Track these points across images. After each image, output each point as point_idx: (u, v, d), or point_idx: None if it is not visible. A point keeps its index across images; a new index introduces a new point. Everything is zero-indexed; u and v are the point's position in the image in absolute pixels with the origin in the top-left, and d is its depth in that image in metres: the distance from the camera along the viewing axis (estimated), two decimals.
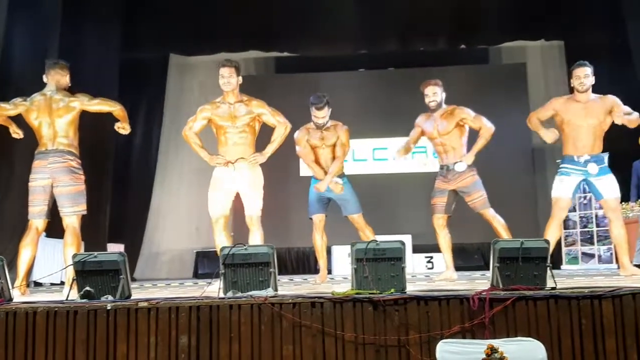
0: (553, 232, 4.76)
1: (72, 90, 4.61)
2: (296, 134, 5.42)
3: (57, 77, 4.52)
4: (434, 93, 5.11)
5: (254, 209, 4.60)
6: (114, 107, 4.59)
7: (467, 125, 5.09)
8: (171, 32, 8.86)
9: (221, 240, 4.52)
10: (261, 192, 4.66)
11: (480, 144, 5.00)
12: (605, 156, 5.18)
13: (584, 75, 4.76)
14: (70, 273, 4.22)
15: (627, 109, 4.75)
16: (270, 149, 4.65)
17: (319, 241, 5.42)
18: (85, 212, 4.43)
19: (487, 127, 5.00)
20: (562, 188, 4.79)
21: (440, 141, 5.11)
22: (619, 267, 5.09)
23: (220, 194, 4.62)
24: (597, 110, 4.75)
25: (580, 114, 4.76)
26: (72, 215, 4.38)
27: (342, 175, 5.41)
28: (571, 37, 9.04)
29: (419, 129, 5.27)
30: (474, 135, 5.09)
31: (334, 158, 5.34)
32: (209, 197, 4.66)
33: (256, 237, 4.56)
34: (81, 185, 4.42)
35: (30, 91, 4.60)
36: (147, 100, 9.51)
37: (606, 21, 8.24)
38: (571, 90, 4.93)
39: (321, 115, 5.28)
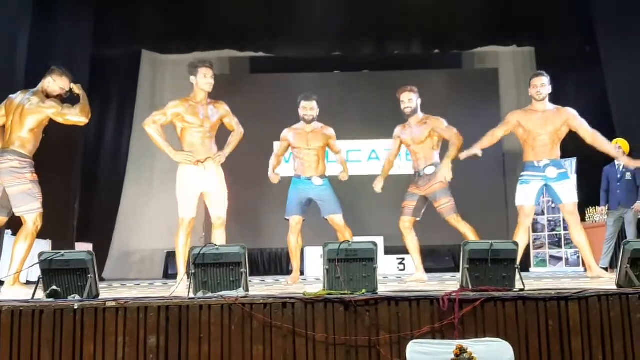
0: (520, 239, 4.85)
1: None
2: (283, 133, 5.49)
3: (45, 81, 4.48)
4: (409, 99, 5.17)
5: (223, 209, 4.58)
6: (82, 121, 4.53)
7: (440, 135, 5.17)
8: (144, 29, 8.76)
9: (183, 243, 4.51)
10: (226, 192, 4.66)
11: (452, 152, 5.07)
12: (568, 161, 5.30)
13: (541, 84, 4.93)
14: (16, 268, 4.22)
15: (584, 123, 4.89)
16: (228, 151, 4.69)
17: (294, 243, 5.42)
18: (33, 212, 4.28)
19: (457, 136, 5.09)
20: (524, 196, 4.92)
21: (414, 149, 5.20)
22: (585, 270, 5.21)
23: (190, 194, 4.58)
24: (554, 119, 4.91)
25: (539, 122, 4.92)
26: (22, 215, 4.30)
27: (323, 176, 5.44)
28: (542, 43, 9.22)
29: (398, 140, 5.34)
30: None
31: (318, 161, 5.38)
32: (179, 197, 4.62)
33: (222, 239, 4.56)
34: (24, 185, 4.28)
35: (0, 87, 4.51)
36: (118, 97, 9.37)
37: (576, 28, 8.41)
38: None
39: (309, 106, 5.33)
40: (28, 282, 4.54)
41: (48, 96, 4.48)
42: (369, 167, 9.37)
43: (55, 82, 4.49)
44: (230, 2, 8.52)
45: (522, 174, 5.00)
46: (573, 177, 7.96)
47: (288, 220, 5.44)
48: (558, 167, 4.90)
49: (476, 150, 4.96)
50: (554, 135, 4.90)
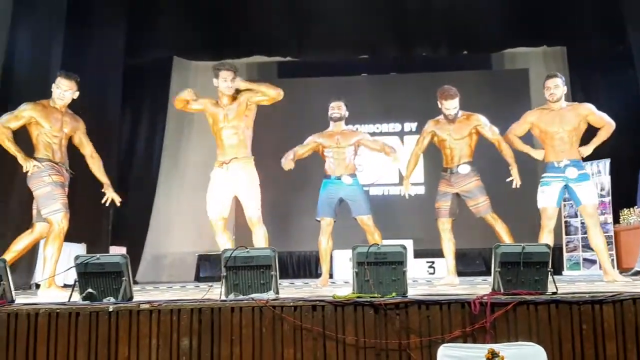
0: (545, 241, 4.77)
1: (77, 100, 4.74)
2: (312, 136, 5.54)
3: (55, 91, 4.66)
4: (455, 107, 5.11)
5: (253, 209, 4.61)
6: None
7: (479, 134, 5.13)
8: (175, 36, 8.89)
9: (222, 241, 4.55)
10: (258, 191, 4.66)
11: (509, 160, 5.04)
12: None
13: (554, 86, 4.92)
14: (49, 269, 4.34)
15: (604, 116, 4.82)
16: (246, 85, 4.65)
17: (324, 245, 5.41)
18: (56, 213, 4.42)
19: (499, 139, 5.06)
20: (545, 198, 4.88)
21: (451, 144, 5.12)
22: (620, 273, 5.10)
23: (216, 195, 4.63)
24: (571, 117, 4.86)
25: (554, 121, 4.89)
26: (47, 218, 4.45)
27: (353, 175, 5.44)
28: (573, 43, 9.06)
29: (430, 136, 5.26)
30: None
31: (347, 159, 5.38)
32: (207, 199, 4.68)
33: (259, 237, 4.57)
34: (43, 188, 4.43)
35: (34, 97, 4.64)
36: (150, 104, 9.53)
37: (608, 27, 8.25)
38: (573, 95, 5.00)
39: (337, 105, 5.35)
40: (65, 285, 4.63)
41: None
42: (397, 171, 9.32)
43: (59, 89, 4.60)
44: (257, 8, 8.59)
45: (543, 175, 4.98)
46: (606, 179, 7.80)
47: (319, 221, 5.45)
48: (578, 168, 4.84)
49: (532, 152, 4.99)
50: (572, 134, 4.84)
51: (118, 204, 4.83)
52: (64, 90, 4.59)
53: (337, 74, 9.63)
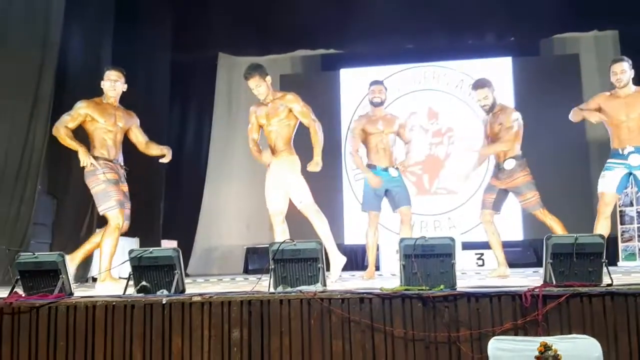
0: (601, 229, 4.63)
1: (127, 98, 4.86)
2: (354, 123, 5.46)
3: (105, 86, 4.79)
4: (485, 97, 5.00)
5: (300, 200, 4.66)
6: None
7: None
8: (220, 32, 8.98)
9: (277, 234, 4.63)
10: (301, 180, 4.69)
11: (495, 146, 4.89)
12: None
13: (621, 70, 4.72)
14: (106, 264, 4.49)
15: None
16: (318, 152, 4.66)
17: (372, 237, 5.38)
18: (111, 210, 4.55)
19: (506, 144, 4.91)
20: (605, 183, 4.72)
21: (493, 140, 5.03)
22: None
23: (270, 190, 4.74)
24: (637, 103, 4.66)
25: (620, 109, 4.71)
26: (104, 214, 4.63)
27: (396, 167, 5.40)
28: (626, 27, 8.71)
29: (484, 128, 5.19)
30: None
31: (391, 147, 5.36)
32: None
33: (317, 225, 4.63)
34: (98, 186, 4.57)
35: (86, 96, 4.80)
36: (197, 100, 9.69)
37: None
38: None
39: (378, 89, 5.33)
40: (120, 278, 4.78)
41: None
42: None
43: (108, 81, 4.72)
44: (300, 1, 8.60)
45: (607, 161, 4.79)
46: None
47: (367, 213, 5.41)
48: None
49: (587, 114, 4.78)
50: (638, 121, 4.65)
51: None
52: (114, 80, 4.71)
53: (381, 64, 9.56)
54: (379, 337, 2.85)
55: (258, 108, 4.80)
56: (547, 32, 9.23)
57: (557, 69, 9.18)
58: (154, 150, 5.00)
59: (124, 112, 4.83)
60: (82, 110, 4.63)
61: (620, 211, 8.01)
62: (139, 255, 3.24)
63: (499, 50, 9.39)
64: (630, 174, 4.70)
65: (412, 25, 8.80)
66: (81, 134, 4.75)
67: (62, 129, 4.56)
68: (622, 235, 8.03)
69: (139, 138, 4.93)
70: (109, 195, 4.57)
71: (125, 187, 4.75)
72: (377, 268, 7.18)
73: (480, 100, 5.03)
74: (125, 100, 4.91)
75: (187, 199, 9.24)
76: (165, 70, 8.41)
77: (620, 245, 8.04)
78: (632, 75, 4.75)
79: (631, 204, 7.96)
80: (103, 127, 4.66)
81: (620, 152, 4.69)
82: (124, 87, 4.80)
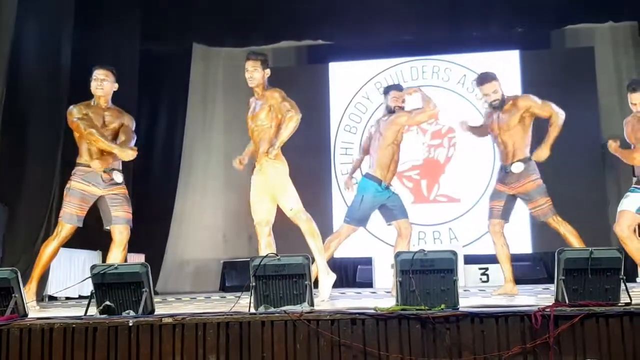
0: (632, 247, 4.65)
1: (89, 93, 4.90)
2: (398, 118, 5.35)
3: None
4: (495, 91, 5.03)
5: (291, 207, 4.65)
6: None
7: (533, 117, 5.00)
8: (195, 21, 8.98)
9: (262, 247, 4.63)
10: (291, 185, 4.69)
11: (553, 133, 4.90)
12: None
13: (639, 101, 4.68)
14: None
15: None
16: (277, 141, 4.61)
17: (334, 245, 5.28)
18: (60, 218, 4.77)
19: (557, 113, 4.92)
20: (630, 202, 4.71)
21: (502, 138, 5.05)
22: None
23: (256, 197, 4.76)
24: None
25: None
26: None
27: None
28: None
29: (486, 126, 5.24)
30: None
31: (394, 163, 5.34)
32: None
33: (305, 234, 4.65)
34: (65, 191, 4.79)
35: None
36: (169, 94, 9.64)
37: None
38: None
39: (400, 95, 5.32)
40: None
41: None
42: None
43: (95, 81, 4.82)
44: None
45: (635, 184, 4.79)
46: None
47: (345, 223, 5.34)
48: None
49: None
50: None
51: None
52: (101, 79, 4.80)
53: (374, 57, 9.60)
54: None
55: (253, 101, 4.80)
56: (559, 23, 9.33)
57: (569, 63, 9.28)
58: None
59: (116, 113, 4.91)
60: (75, 117, 4.73)
61: None
62: (102, 272, 3.21)
63: (505, 42, 9.47)
64: None
65: (410, 15, 8.86)
66: (71, 140, 4.91)
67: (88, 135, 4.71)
68: None
69: (120, 138, 4.94)
70: (64, 204, 4.76)
71: (117, 190, 4.83)
72: (371, 284, 7.18)
73: (490, 95, 5.03)
74: (89, 96, 4.91)
75: (156, 206, 9.18)
76: (133, 62, 8.37)
77: None
78: None
79: None
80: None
81: None
82: (115, 86, 4.90)
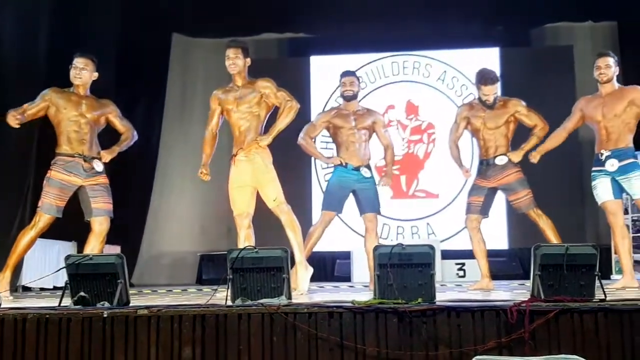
0: (617, 241, 4.78)
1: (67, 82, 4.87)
2: (319, 115, 5.48)
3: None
4: (494, 94, 5.11)
5: (267, 200, 4.65)
6: None
7: (517, 122, 5.11)
8: (175, 11, 8.91)
9: (241, 239, 4.62)
10: (275, 175, 4.69)
11: (531, 142, 5.05)
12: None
13: (605, 65, 4.90)
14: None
15: None
16: (275, 130, 4.64)
17: (318, 235, 5.31)
18: (39, 209, 4.74)
19: (542, 126, 5.04)
20: (599, 194, 4.91)
21: (485, 135, 5.11)
22: None
23: (237, 189, 4.72)
24: (615, 104, 4.79)
25: (598, 109, 4.88)
26: None
27: (369, 166, 5.42)
28: (625, 17, 8.93)
29: (464, 122, 5.27)
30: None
31: (364, 146, 5.37)
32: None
33: (285, 226, 4.65)
34: (44, 182, 4.75)
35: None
36: (147, 84, 9.53)
37: None
38: (625, 79, 4.97)
39: (349, 81, 5.33)
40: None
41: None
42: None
43: (74, 69, 4.81)
44: None
45: (592, 169, 4.94)
46: None
47: (323, 213, 5.37)
48: (620, 159, 4.77)
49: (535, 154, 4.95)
50: (617, 123, 4.78)
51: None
52: (80, 68, 4.79)
53: (355, 52, 9.60)
54: (349, 355, 2.86)
55: (224, 93, 4.76)
56: (539, 21, 9.41)
57: (549, 61, 9.37)
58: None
59: (93, 102, 4.89)
60: (46, 96, 4.74)
61: None
62: (76, 262, 3.19)
63: (485, 39, 9.53)
64: (614, 179, 4.82)
65: (392, 11, 8.87)
66: (48, 129, 4.89)
67: (12, 111, 4.65)
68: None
69: (119, 128, 5.07)
70: (43, 194, 4.72)
71: (97, 180, 4.84)
72: (349, 278, 7.19)
73: (489, 96, 5.09)
74: (66, 85, 4.87)
75: (133, 197, 9.09)
76: (111, 52, 8.28)
77: (614, 257, 8.23)
78: (617, 72, 4.89)
79: (626, 212, 8.16)
80: (66, 119, 4.74)
81: (600, 156, 4.84)
82: (95, 75, 4.90)
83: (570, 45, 9.54)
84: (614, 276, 8.05)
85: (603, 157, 4.82)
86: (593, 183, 4.93)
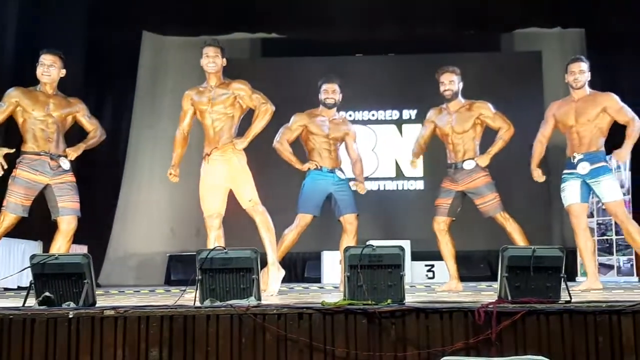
0: (581, 244, 4.87)
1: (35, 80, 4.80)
2: (294, 117, 5.45)
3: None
4: (451, 81, 5.17)
5: (243, 200, 4.63)
6: None
7: (485, 125, 5.16)
8: (146, 8, 8.82)
9: (211, 240, 4.58)
10: (251, 176, 4.68)
11: (498, 146, 5.09)
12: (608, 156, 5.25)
13: (579, 70, 5.01)
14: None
15: (624, 109, 4.87)
16: (251, 133, 4.64)
17: (291, 237, 5.29)
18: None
19: (506, 128, 5.09)
20: (566, 196, 5.00)
21: (454, 139, 5.15)
22: None
23: (209, 189, 4.68)
24: (588, 109, 4.90)
25: (570, 113, 4.98)
26: None
27: (340, 169, 5.43)
28: (592, 24, 9.11)
29: (432, 126, 5.31)
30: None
31: (337, 152, 5.38)
32: (200, 194, 4.76)
33: (260, 227, 4.62)
34: (9, 181, 4.65)
35: None
36: (116, 83, 9.44)
37: (631, 7, 8.30)
38: (592, 83, 5.07)
39: (331, 89, 5.33)
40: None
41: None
42: (394, 164, 9.37)
43: (41, 66, 4.73)
44: None
45: (563, 172, 5.04)
46: (626, 175, 7.86)
47: (298, 215, 5.36)
48: (592, 161, 4.88)
49: (536, 172, 5.07)
50: (589, 127, 4.88)
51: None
52: (48, 65, 4.70)
53: (328, 54, 9.62)
54: (318, 357, 2.85)
55: (197, 93, 4.73)
56: (509, 27, 9.55)
57: (518, 66, 9.51)
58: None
59: (61, 100, 4.81)
60: (13, 98, 4.63)
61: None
62: (41, 262, 3.13)
63: (456, 44, 9.62)
64: (584, 182, 4.91)
65: (364, 14, 8.92)
66: (11, 127, 4.83)
67: None
68: None
69: (86, 127, 4.97)
70: (8, 193, 4.63)
71: (64, 178, 4.75)
72: (319, 280, 7.20)
73: (445, 83, 5.15)
74: (34, 81, 4.78)
75: (101, 197, 8.98)
76: (80, 48, 8.17)
77: (579, 259, 8.38)
78: (589, 78, 4.99)
79: (592, 215, 8.31)
80: (33, 118, 4.66)
81: (572, 160, 4.94)
82: (62, 73, 4.81)
83: (539, 50, 9.70)
84: (579, 278, 8.20)
85: (575, 160, 4.92)
86: (562, 185, 5.02)
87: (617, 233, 8.08)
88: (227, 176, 4.63)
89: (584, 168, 4.89)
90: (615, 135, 5.05)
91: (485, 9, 8.95)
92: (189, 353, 2.88)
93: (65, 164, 4.74)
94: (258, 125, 4.61)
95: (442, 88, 5.21)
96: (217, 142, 4.64)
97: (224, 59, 4.70)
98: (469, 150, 5.13)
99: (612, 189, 4.90)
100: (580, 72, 4.95)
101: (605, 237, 8.27)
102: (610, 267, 8.14)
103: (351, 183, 5.45)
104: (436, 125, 5.27)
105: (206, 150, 4.71)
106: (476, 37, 9.74)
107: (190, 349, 2.88)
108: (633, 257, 7.76)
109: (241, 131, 4.74)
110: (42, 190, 4.69)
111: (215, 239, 4.61)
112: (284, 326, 2.88)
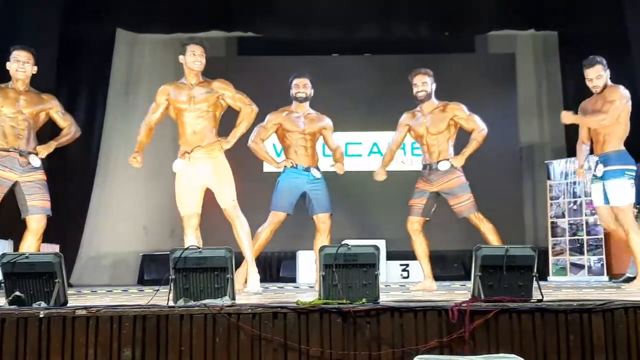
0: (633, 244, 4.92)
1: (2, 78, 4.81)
2: (269, 116, 5.45)
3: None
4: (423, 83, 5.20)
5: (226, 200, 4.61)
6: None
7: (458, 126, 5.21)
8: (120, 5, 8.73)
9: (188, 241, 4.55)
10: (232, 177, 4.70)
11: (472, 147, 5.13)
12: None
13: (597, 76, 4.98)
14: None
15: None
16: (236, 134, 4.68)
17: (265, 235, 5.28)
18: None
19: (480, 130, 5.13)
20: (594, 199, 5.19)
21: (428, 140, 5.19)
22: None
23: (188, 189, 4.64)
24: (606, 105, 4.93)
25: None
26: None
27: (318, 168, 5.44)
28: (565, 27, 9.23)
29: (406, 129, 5.34)
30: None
31: (313, 148, 5.39)
32: (176, 194, 4.70)
33: (239, 228, 4.63)
34: None
35: None
36: (89, 81, 9.31)
37: (604, 9, 8.42)
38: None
39: (302, 83, 5.34)
40: None
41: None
42: (370, 162, 9.36)
43: (16, 62, 4.70)
44: None
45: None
46: None
47: (272, 213, 5.35)
48: (606, 164, 4.97)
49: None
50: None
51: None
52: (23, 62, 4.67)
53: (304, 53, 9.61)
54: (292, 356, 2.86)
55: (175, 89, 4.70)
56: (483, 29, 9.63)
57: (491, 68, 9.60)
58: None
59: (33, 97, 4.77)
60: None
61: (552, 222, 8.47)
62: (12, 261, 3.09)
63: (432, 45, 9.68)
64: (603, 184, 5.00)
65: (341, 14, 8.93)
66: None
67: None
68: (553, 248, 8.50)
69: (60, 124, 4.93)
70: None
71: (34, 176, 4.70)
72: (294, 279, 7.19)
73: (417, 85, 5.20)
74: (4, 80, 4.73)
75: (73, 196, 8.86)
76: (52, 45, 8.04)
77: (551, 259, 8.50)
78: (609, 76, 5.01)
79: (563, 215, 8.44)
80: (2, 115, 4.62)
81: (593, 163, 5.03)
82: (34, 69, 4.77)
83: (513, 52, 9.81)
84: (551, 277, 8.32)
85: (593, 163, 5.01)
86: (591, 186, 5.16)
87: (588, 233, 8.21)
88: (209, 176, 4.62)
89: (600, 170, 4.98)
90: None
91: (460, 10, 9.01)
92: (162, 353, 2.87)
93: (35, 162, 4.68)
94: (243, 126, 4.69)
95: (415, 90, 5.24)
96: (199, 141, 4.63)
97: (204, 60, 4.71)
98: (443, 151, 5.18)
99: (615, 193, 4.94)
100: (598, 77, 4.97)
101: (576, 237, 8.40)
102: (581, 266, 8.26)
103: (330, 164, 5.48)
104: (410, 127, 5.31)
105: (184, 148, 4.67)
106: (451, 38, 9.80)
107: (164, 349, 2.87)
108: (604, 257, 7.88)
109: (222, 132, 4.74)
110: (12, 188, 4.62)
111: (193, 240, 4.58)
112: (258, 326, 2.88)
